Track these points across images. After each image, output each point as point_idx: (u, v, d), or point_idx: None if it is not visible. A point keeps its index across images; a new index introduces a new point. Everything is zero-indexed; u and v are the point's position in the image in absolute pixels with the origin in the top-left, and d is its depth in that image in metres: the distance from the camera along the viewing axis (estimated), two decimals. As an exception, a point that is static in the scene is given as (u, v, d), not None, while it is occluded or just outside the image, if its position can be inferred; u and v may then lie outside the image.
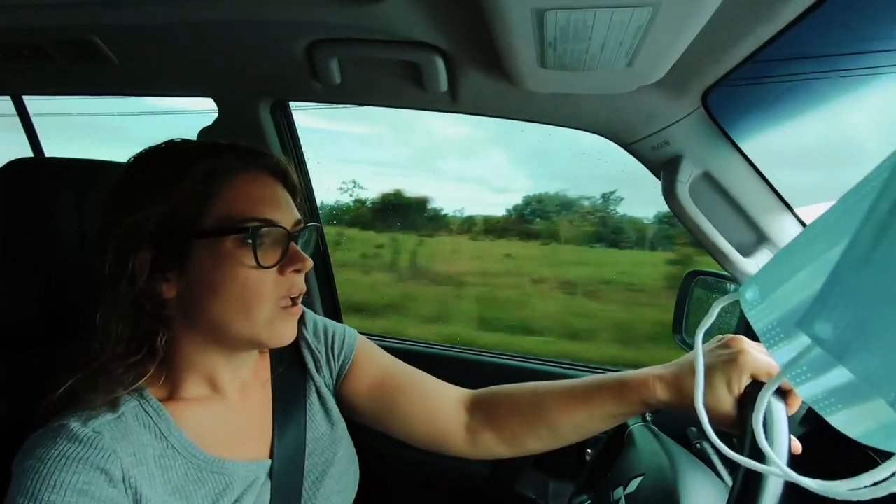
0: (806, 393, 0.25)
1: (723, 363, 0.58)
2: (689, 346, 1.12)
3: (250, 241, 0.57)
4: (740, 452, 0.42)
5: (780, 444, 0.46)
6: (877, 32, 0.80)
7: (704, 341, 0.68)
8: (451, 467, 1.25)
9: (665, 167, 0.88)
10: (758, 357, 0.57)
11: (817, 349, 0.22)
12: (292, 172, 0.67)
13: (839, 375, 0.23)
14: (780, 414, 0.48)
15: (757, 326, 0.27)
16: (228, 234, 0.57)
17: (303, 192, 0.71)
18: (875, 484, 0.23)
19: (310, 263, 0.63)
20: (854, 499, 0.23)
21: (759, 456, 0.42)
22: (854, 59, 0.86)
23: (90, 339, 0.58)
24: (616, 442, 0.84)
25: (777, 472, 0.30)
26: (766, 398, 0.28)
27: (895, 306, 0.18)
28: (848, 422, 0.24)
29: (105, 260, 0.58)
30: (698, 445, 0.86)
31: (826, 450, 0.64)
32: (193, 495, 0.58)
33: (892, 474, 0.22)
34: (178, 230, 0.57)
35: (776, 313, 0.25)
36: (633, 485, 0.68)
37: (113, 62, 0.98)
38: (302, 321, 0.77)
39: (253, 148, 0.65)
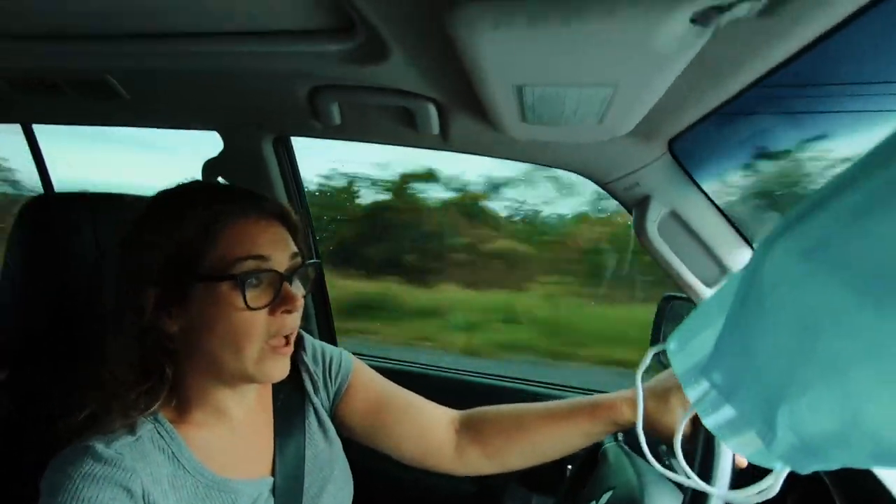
0: (710, 423, 0.32)
1: (678, 387, 0.66)
2: (664, 366, 1.20)
3: (240, 285, 0.60)
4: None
5: (724, 459, 0.53)
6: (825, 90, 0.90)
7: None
8: (440, 484, 1.30)
9: (636, 206, 0.97)
10: None
11: (713, 391, 0.30)
12: (292, 213, 0.71)
13: (729, 411, 0.30)
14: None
15: (678, 371, 0.34)
16: (223, 279, 0.61)
17: (303, 229, 0.75)
18: (759, 492, 0.30)
19: (300, 304, 0.65)
20: (747, 503, 0.30)
21: (707, 468, 0.50)
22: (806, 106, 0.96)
23: (102, 366, 0.63)
24: (592, 459, 0.91)
25: (691, 482, 0.37)
26: (682, 426, 0.36)
27: (751, 365, 0.25)
28: (739, 446, 0.31)
29: (115, 293, 0.63)
30: (667, 461, 0.93)
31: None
32: None
33: (768, 486, 0.30)
34: (180, 271, 0.61)
35: (691, 361, 0.33)
36: (605, 498, 0.74)
37: (124, 98, 1.03)
38: (301, 346, 0.81)
39: (257, 193, 0.68)
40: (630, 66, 0.51)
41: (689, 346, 0.32)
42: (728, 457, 0.55)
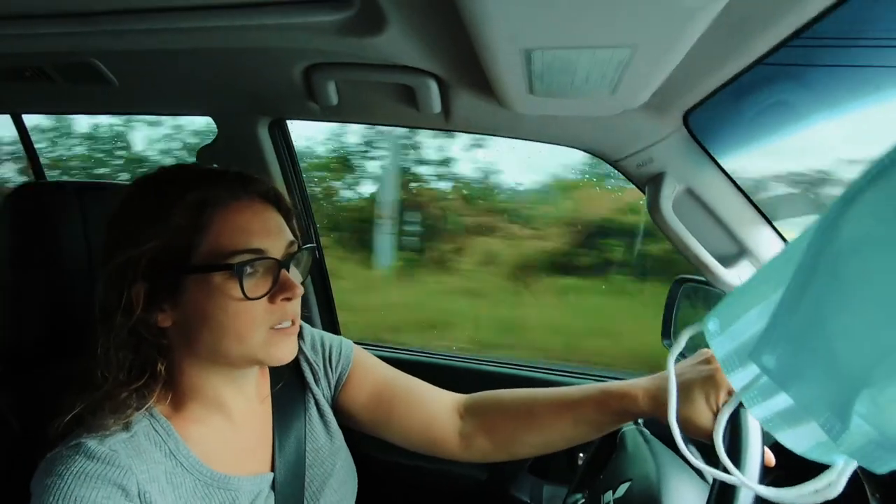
0: (758, 413, 0.28)
1: (702, 379, 0.61)
2: (682, 355, 1.17)
3: (237, 275, 0.58)
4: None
5: (753, 456, 0.49)
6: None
7: (691, 350, 0.72)
8: (448, 472, 1.28)
9: (649, 183, 0.92)
10: None
11: (765, 377, 0.26)
12: (285, 196, 0.68)
13: (783, 400, 0.26)
14: (755, 428, 0.52)
15: (718, 354, 0.30)
16: (216, 270, 0.58)
17: (301, 211, 0.72)
18: (816, 491, 0.27)
19: (300, 291, 0.63)
20: (798, 503, 0.27)
21: (734, 465, 0.46)
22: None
23: (92, 366, 0.60)
24: (609, 443, 0.87)
25: (734, 480, 0.33)
26: (725, 416, 0.32)
27: (821, 347, 0.21)
28: (793, 439, 0.27)
29: (102, 291, 0.59)
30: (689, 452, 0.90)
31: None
32: None
33: (829, 484, 0.26)
34: (170, 265, 0.58)
35: (733, 344, 0.29)
36: (622, 490, 0.71)
37: (113, 84, 1.00)
38: (300, 336, 0.78)
39: (245, 174, 0.65)
40: (651, 24, 0.47)
41: (733, 327, 0.29)
42: (757, 453, 0.51)
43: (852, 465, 0.25)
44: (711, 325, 0.30)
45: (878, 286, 0.18)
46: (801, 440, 0.27)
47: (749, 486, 0.30)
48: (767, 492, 0.28)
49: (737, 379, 0.29)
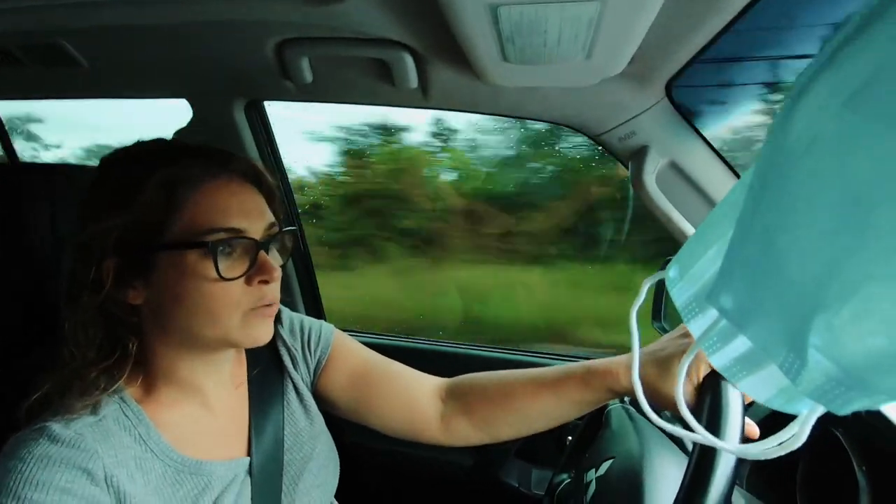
0: (717, 362, 0.26)
1: (682, 352, 0.59)
2: (666, 332, 1.15)
3: (211, 254, 0.56)
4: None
5: (734, 426, 0.48)
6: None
7: (672, 326, 0.69)
8: (434, 458, 1.27)
9: (633, 157, 0.90)
10: None
11: (724, 320, 0.24)
12: (266, 175, 0.66)
13: (742, 344, 0.24)
14: (735, 398, 0.51)
15: (677, 302, 0.28)
16: (189, 247, 0.56)
17: (280, 194, 0.70)
18: (781, 444, 0.25)
19: (278, 274, 0.61)
20: (763, 458, 0.25)
21: (713, 433, 0.44)
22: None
23: (61, 345, 0.58)
24: (596, 422, 0.86)
25: (700, 439, 0.31)
26: (685, 367, 0.30)
27: (777, 277, 0.19)
28: (753, 387, 0.25)
29: (71, 266, 0.57)
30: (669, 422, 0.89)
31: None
32: (172, 498, 0.59)
33: (792, 435, 0.24)
34: (141, 241, 0.57)
35: (692, 289, 0.27)
36: (604, 467, 0.69)
37: (83, 65, 0.97)
38: (278, 319, 0.76)
39: (223, 150, 0.63)
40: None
41: (692, 270, 0.27)
42: (737, 420, 0.49)
43: (816, 412, 0.23)
44: (672, 271, 0.28)
45: (828, 189, 0.16)
46: (763, 388, 0.25)
47: (719, 446, 0.28)
48: (733, 448, 0.26)
49: (696, 326, 0.27)
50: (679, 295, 0.28)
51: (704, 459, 0.46)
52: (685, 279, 0.27)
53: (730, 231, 0.23)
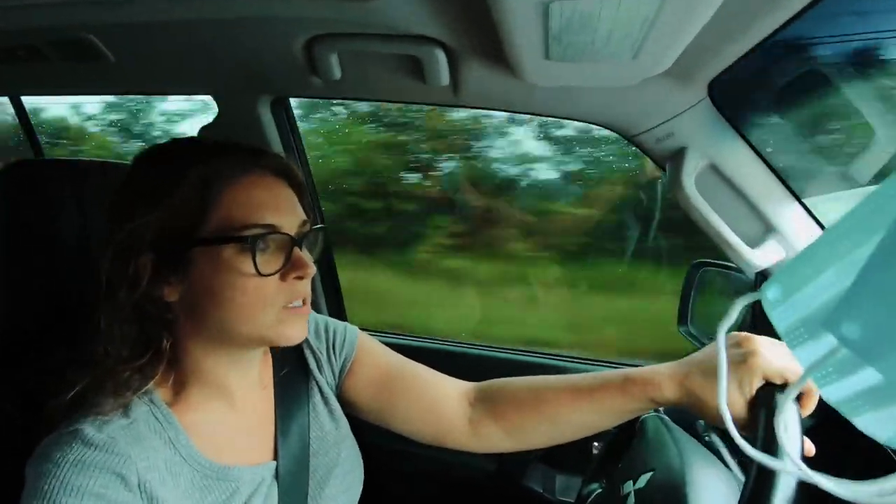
0: (832, 395, 0.24)
1: (734, 364, 0.57)
2: (695, 338, 1.12)
3: (250, 249, 0.56)
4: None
5: (793, 447, 0.45)
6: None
7: (710, 338, 0.67)
8: (457, 462, 1.25)
9: (670, 159, 0.87)
10: (770, 359, 0.56)
11: (844, 350, 0.22)
12: (296, 170, 0.66)
13: (867, 377, 0.22)
14: (793, 416, 0.48)
15: (779, 326, 0.26)
16: (227, 242, 0.56)
17: (308, 190, 0.69)
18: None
19: (313, 270, 0.61)
20: (879, 502, 0.22)
21: (771, 453, 0.41)
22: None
23: (94, 343, 0.58)
24: (628, 431, 0.83)
25: (800, 473, 0.29)
26: (789, 401, 0.28)
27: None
28: (874, 424, 0.23)
29: (106, 264, 0.57)
30: (707, 438, 0.86)
31: (833, 441, 0.64)
32: (201, 502, 0.59)
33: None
34: (177, 237, 0.57)
35: (799, 313, 0.25)
36: (643, 480, 0.67)
37: (110, 61, 0.97)
38: None
39: (255, 146, 0.63)
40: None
41: (800, 293, 0.24)
42: (796, 442, 0.46)
43: None
44: (771, 292, 0.26)
45: None
46: (886, 425, 0.23)
47: (816, 482, 0.26)
48: (836, 487, 0.24)
49: (804, 354, 0.25)
50: (781, 318, 0.26)
51: (763, 480, 0.44)
52: (789, 302, 0.25)
53: (854, 252, 0.21)
